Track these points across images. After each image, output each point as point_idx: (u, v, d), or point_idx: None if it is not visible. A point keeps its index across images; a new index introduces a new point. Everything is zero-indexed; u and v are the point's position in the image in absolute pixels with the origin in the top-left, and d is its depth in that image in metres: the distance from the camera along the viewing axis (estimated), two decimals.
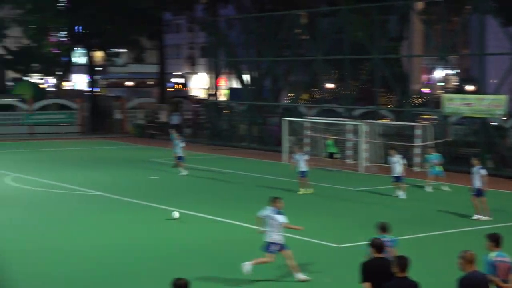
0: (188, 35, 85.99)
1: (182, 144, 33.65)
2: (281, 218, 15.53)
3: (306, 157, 28.47)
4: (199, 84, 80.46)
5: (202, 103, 59.84)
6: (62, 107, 58.57)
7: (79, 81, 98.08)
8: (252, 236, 17.60)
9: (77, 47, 76.48)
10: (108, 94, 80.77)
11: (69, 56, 66.44)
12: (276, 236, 15.45)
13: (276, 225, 15.45)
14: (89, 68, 70.77)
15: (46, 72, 79.67)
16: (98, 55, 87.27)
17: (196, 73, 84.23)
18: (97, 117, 61.21)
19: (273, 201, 15.86)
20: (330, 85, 53.12)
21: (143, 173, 34.12)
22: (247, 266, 15.50)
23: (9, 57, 77.60)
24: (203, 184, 30.81)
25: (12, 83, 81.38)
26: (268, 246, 15.53)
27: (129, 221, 22.74)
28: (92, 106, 61.93)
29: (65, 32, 64.55)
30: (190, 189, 29.51)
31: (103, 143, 50.56)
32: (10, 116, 55.16)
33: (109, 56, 74.53)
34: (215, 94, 52.23)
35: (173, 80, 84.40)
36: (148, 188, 30.05)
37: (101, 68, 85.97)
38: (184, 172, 33.12)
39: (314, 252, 18.50)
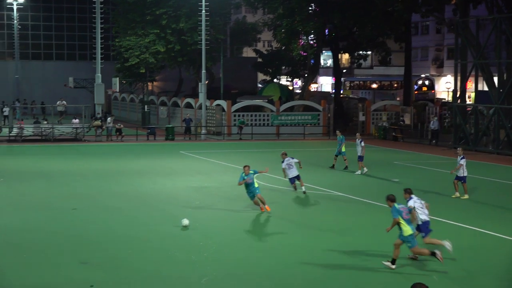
0: (436, 36, 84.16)
1: (362, 144, 34.24)
2: None
3: (463, 161, 27.14)
4: (445, 86, 78.44)
5: (448, 106, 58.23)
6: (308, 108, 59.92)
7: (325, 83, 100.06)
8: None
9: (325, 50, 78.04)
10: (352, 96, 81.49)
11: (317, 59, 67.87)
12: None
13: None
14: (335, 71, 71.82)
15: (294, 74, 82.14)
16: (345, 57, 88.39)
17: (442, 75, 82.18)
18: (341, 118, 61.87)
19: None
20: None
21: (386, 175, 33.86)
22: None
23: (260, 60, 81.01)
24: (443, 188, 29.85)
25: (261, 85, 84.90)
26: None
27: (368, 222, 22.66)
28: (337, 107, 62.68)
29: (313, 35, 66.02)
30: (429, 193, 28.79)
31: (346, 145, 50.93)
32: (259, 117, 57.44)
33: (356, 59, 75.02)
34: (461, 97, 50.57)
35: (419, 82, 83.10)
36: (389, 190, 29.68)
37: (346, 70, 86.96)
38: (364, 170, 34.06)
39: None
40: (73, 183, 30.75)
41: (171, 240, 19.87)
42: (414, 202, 17.82)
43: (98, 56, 56.45)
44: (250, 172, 23.64)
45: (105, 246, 19.08)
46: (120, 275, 16.35)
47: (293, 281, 15.98)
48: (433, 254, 16.80)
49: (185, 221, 21.23)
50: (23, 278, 16.14)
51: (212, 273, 16.47)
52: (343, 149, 35.57)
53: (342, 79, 76.97)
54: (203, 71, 56.10)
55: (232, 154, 43.43)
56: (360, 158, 34.38)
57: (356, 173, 34.15)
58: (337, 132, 38.03)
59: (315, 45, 66.30)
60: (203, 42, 55.26)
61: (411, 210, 17.34)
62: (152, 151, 45.40)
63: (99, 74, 56.55)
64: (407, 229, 16.72)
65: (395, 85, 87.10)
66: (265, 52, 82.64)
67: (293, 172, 27.53)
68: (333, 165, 35.93)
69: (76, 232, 20.71)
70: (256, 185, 23.68)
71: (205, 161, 39.73)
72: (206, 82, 57.87)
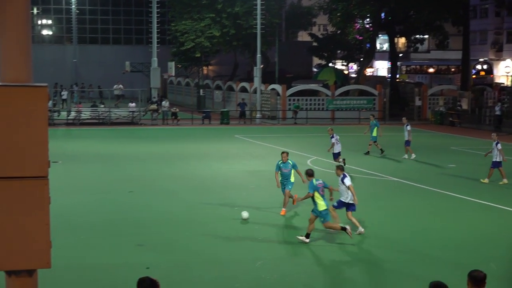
0: (495, 20, 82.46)
1: (408, 128, 34.28)
2: None
3: (499, 146, 26.95)
4: (504, 71, 76.92)
5: (507, 90, 57.10)
6: (363, 93, 59.46)
7: (380, 67, 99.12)
8: None
9: (381, 34, 77.21)
10: (408, 80, 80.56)
11: (372, 43, 67.21)
12: None
13: None
14: (391, 55, 71.05)
15: (349, 59, 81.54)
16: (401, 41, 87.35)
17: (501, 60, 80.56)
18: (396, 103, 61.25)
19: None
20: None
21: (442, 161, 33.43)
22: None
23: (316, 44, 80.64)
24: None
25: (316, 69, 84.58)
26: None
27: (425, 208, 22.43)
28: (393, 92, 62.06)
29: (369, 19, 65.38)
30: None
31: (401, 130, 50.36)
32: (314, 101, 57.25)
33: (412, 43, 74.07)
34: None
35: (477, 66, 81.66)
36: (445, 176, 29.37)
37: (402, 55, 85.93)
38: (412, 156, 33.99)
39: None
40: (129, 166, 31.14)
41: (226, 223, 19.97)
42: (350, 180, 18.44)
43: (154, 40, 56.93)
44: (289, 161, 21.39)
45: (161, 229, 19.28)
46: (176, 257, 16.50)
47: (347, 266, 15.91)
48: (343, 229, 17.46)
49: (245, 214, 20.17)
50: (81, 258, 16.42)
51: (267, 257, 16.51)
52: (374, 134, 35.35)
53: (398, 63, 76.10)
54: (258, 55, 56.08)
55: (286, 139, 43.40)
56: (407, 142, 34.24)
57: (403, 157, 33.96)
58: (371, 116, 37.87)
59: (371, 29, 65.66)
60: (258, 26, 55.20)
61: (328, 187, 17.91)
62: (207, 135, 45.67)
63: (155, 58, 57.06)
64: (322, 204, 17.33)
65: (453, 69, 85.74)
66: (321, 36, 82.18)
67: (339, 148, 30.01)
68: (381, 150, 35.52)
69: (132, 215, 20.97)
70: (292, 179, 21.39)
71: (260, 145, 39.81)
72: (261, 66, 57.84)
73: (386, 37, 79.36)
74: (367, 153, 35.49)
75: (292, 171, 21.45)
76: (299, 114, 54.78)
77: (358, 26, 68.89)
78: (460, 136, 46.17)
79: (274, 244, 17.72)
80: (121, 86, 68.42)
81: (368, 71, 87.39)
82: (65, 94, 61.97)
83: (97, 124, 51.40)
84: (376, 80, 73.60)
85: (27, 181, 5.74)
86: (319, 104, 57.13)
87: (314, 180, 17.57)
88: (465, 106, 56.90)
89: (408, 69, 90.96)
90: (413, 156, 34.04)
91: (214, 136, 44.65)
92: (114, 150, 36.80)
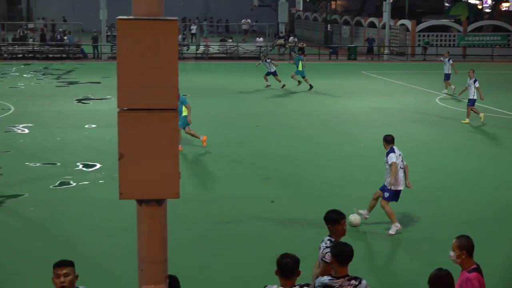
0: None
1: (451, 62, 33.82)
2: None
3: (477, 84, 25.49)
4: None
5: None
6: (497, 29, 57.10)
7: None
8: None
9: None
10: None
11: None
12: None
13: None
14: None
15: None
16: None
17: None
18: None
19: None
20: None
21: None
22: None
23: None
24: None
25: (448, 4, 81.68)
26: None
27: None
28: None
29: None
30: None
31: None
32: (445, 37, 55.53)
33: None
34: None
35: None
36: None
37: None
38: (452, 88, 33.44)
39: None
40: (256, 101, 31.42)
41: (351, 160, 19.89)
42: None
43: None
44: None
45: (286, 164, 19.44)
46: (299, 192, 16.64)
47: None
48: None
49: (355, 218, 14.26)
50: (208, 190, 16.85)
51: None
52: (300, 68, 34.84)
53: None
54: None
55: (415, 76, 42.47)
56: (447, 76, 33.86)
57: (443, 91, 33.88)
58: (292, 53, 38.52)
59: None
60: None
61: None
62: (334, 70, 45.32)
63: None
64: None
65: None
66: None
67: (273, 68, 34.85)
68: (310, 85, 35.02)
69: (258, 149, 21.24)
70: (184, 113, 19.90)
71: (387, 81, 39.18)
72: (391, 0, 56.48)
73: None
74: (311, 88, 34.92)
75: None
76: (429, 50, 53.33)
77: None
78: None
79: None
80: (249, 20, 68.67)
81: (504, 6, 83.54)
82: (194, 29, 62.84)
83: (225, 58, 52.01)
84: None
85: (158, 113, 5.88)
86: (450, 40, 55.34)
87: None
88: None
89: None
90: (453, 87, 33.48)
91: (341, 72, 44.25)
92: (241, 84, 37.15)
